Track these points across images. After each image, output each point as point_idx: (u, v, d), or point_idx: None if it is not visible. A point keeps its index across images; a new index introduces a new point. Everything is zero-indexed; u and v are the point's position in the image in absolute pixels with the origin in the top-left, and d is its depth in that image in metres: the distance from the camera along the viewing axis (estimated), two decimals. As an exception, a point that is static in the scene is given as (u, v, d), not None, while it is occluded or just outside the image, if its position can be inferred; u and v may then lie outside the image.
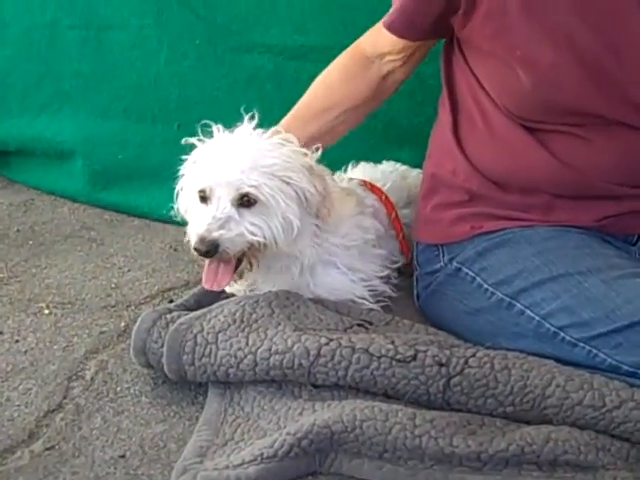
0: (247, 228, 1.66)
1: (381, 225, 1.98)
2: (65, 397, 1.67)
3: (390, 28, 1.79)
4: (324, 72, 1.93)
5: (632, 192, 1.71)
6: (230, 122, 2.41)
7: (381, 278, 1.93)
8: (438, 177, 1.87)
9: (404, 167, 2.23)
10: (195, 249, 1.65)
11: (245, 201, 1.66)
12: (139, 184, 2.61)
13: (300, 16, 2.33)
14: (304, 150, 1.74)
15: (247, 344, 1.61)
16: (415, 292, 1.97)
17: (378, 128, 2.32)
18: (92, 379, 1.73)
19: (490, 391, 1.54)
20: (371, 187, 2.04)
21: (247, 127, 1.74)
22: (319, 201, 1.73)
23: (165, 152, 2.52)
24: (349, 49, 1.93)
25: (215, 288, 1.71)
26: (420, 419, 1.47)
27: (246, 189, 1.65)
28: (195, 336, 1.64)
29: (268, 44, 2.39)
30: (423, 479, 1.43)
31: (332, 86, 1.91)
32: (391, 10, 1.79)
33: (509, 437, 1.46)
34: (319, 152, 1.79)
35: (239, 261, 1.72)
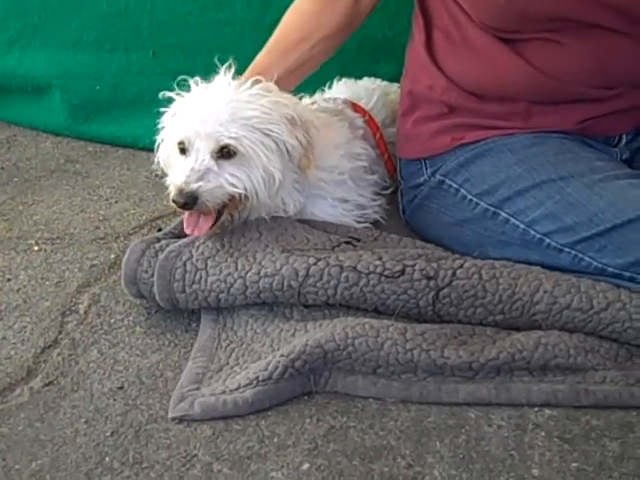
0: (227, 180, 1.64)
1: (372, 148, 1.97)
2: (60, 332, 1.68)
3: None
4: (296, 1, 1.89)
5: (610, 93, 1.71)
6: (203, 46, 2.40)
7: (373, 207, 1.93)
8: (416, 93, 1.86)
9: (384, 83, 2.21)
10: (173, 201, 1.63)
11: (225, 153, 1.65)
12: (120, 114, 2.59)
13: None
14: (285, 100, 1.71)
15: (236, 269, 1.62)
16: (400, 207, 1.98)
17: (353, 44, 2.26)
18: (86, 313, 1.74)
19: (479, 301, 1.56)
20: (354, 107, 2.02)
21: (225, 78, 1.71)
22: (301, 153, 1.70)
23: (142, 80, 2.53)
24: None
25: (196, 234, 1.69)
26: (411, 333, 1.49)
27: (225, 141, 1.63)
28: (184, 263, 1.65)
29: (235, -37, 2.35)
30: (417, 392, 1.46)
31: (305, 16, 1.88)
32: None
33: (499, 345, 1.49)
34: (305, 99, 1.77)
35: (219, 213, 1.70)
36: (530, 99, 1.73)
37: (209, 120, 1.63)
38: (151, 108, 2.34)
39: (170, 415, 1.43)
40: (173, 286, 1.64)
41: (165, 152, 1.74)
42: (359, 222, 1.87)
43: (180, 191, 1.62)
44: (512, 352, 1.46)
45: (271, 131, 1.66)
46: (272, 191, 1.70)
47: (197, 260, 1.65)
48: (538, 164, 1.67)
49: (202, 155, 1.64)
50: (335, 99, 2.03)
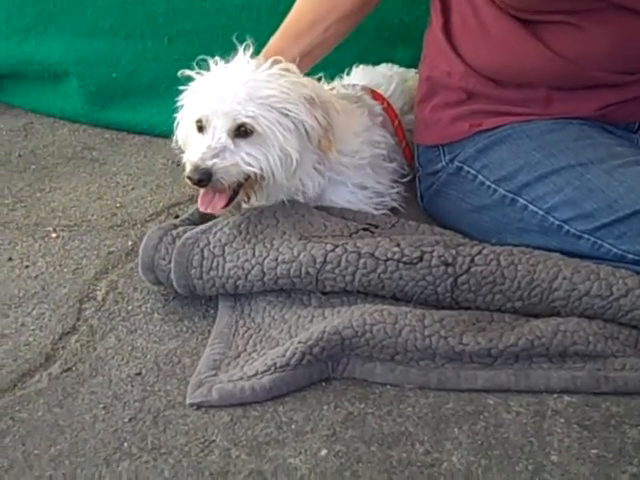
0: (243, 158, 1.64)
1: (390, 136, 1.96)
2: (78, 319, 1.69)
3: None
4: None
5: (632, 79, 1.69)
6: (218, 32, 2.40)
7: (391, 194, 1.92)
8: (434, 79, 1.85)
9: (402, 69, 2.20)
10: (188, 177, 1.63)
11: (242, 132, 1.64)
12: (136, 101, 2.59)
13: None
14: (305, 81, 1.71)
15: (254, 255, 1.62)
16: (418, 193, 1.97)
17: (369, 28, 2.28)
18: (103, 299, 1.74)
19: (497, 287, 1.56)
20: (373, 94, 2.01)
21: (244, 58, 1.70)
22: (320, 134, 1.69)
23: (158, 67, 2.54)
24: None
25: (210, 210, 1.69)
26: (429, 319, 1.49)
27: (242, 119, 1.62)
28: (202, 250, 1.65)
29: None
30: (435, 378, 1.45)
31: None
32: None
33: (518, 331, 1.49)
34: (323, 85, 1.77)
35: (235, 192, 1.70)
36: (549, 85, 1.72)
37: (227, 99, 1.63)
38: (167, 95, 2.34)
39: (188, 401, 1.43)
40: (190, 273, 1.64)
41: (183, 130, 1.75)
42: (377, 209, 1.87)
43: (195, 167, 1.62)
44: (531, 339, 1.46)
45: (289, 111, 1.66)
46: (289, 171, 1.69)
47: (214, 247, 1.64)
48: (557, 150, 1.66)
49: (219, 133, 1.64)
50: (354, 86, 2.02)
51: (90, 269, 1.85)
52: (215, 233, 1.67)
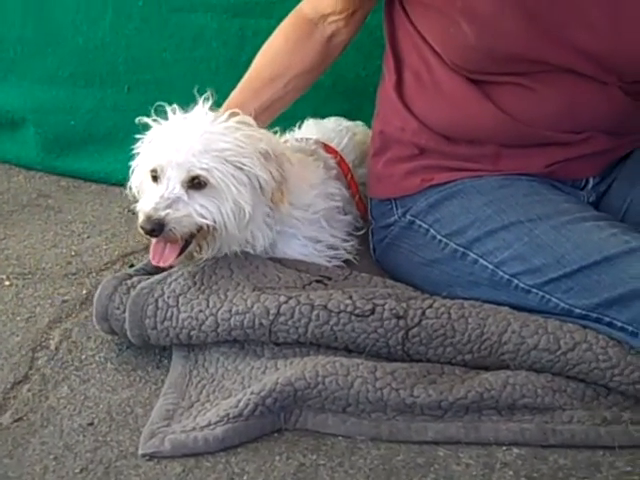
0: (196, 210, 1.65)
1: (345, 189, 1.99)
2: (31, 368, 1.67)
3: None
4: (269, 40, 1.92)
5: (578, 137, 1.74)
6: (178, 82, 2.43)
7: (345, 247, 1.94)
8: (387, 134, 1.88)
9: (350, 123, 2.24)
10: (141, 227, 1.64)
11: (196, 183, 1.65)
12: (93, 149, 2.61)
13: (241, -27, 2.33)
14: (260, 134, 1.72)
15: (208, 306, 1.63)
16: (371, 245, 1.99)
17: (326, 83, 2.32)
18: (57, 348, 1.73)
19: (448, 340, 1.58)
20: (326, 147, 2.04)
21: (202, 109, 1.72)
22: (273, 187, 1.71)
23: (117, 116, 2.55)
24: (291, 15, 1.92)
25: (162, 264, 1.69)
26: (381, 372, 1.51)
27: (197, 171, 1.64)
28: (156, 300, 1.66)
29: (211, 3, 2.39)
30: (386, 430, 1.47)
31: (278, 54, 1.90)
32: None
33: (468, 384, 1.51)
34: (278, 135, 1.80)
35: (187, 243, 1.71)
36: (499, 142, 1.76)
37: (182, 150, 1.64)
38: (125, 143, 2.35)
39: (140, 452, 1.43)
40: (145, 323, 1.65)
41: (138, 179, 1.75)
42: (331, 262, 1.89)
43: (148, 217, 1.63)
44: (481, 391, 1.48)
45: (243, 164, 1.67)
46: (242, 224, 1.70)
47: (169, 297, 1.65)
48: (507, 206, 1.70)
49: (173, 184, 1.65)
50: (307, 139, 2.05)
51: (44, 317, 1.84)
52: (170, 283, 1.68)
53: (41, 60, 2.58)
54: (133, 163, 1.76)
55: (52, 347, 1.74)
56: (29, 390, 1.61)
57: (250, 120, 1.73)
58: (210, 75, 2.42)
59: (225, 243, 1.75)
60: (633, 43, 1.63)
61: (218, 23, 2.40)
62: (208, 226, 1.68)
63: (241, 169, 1.67)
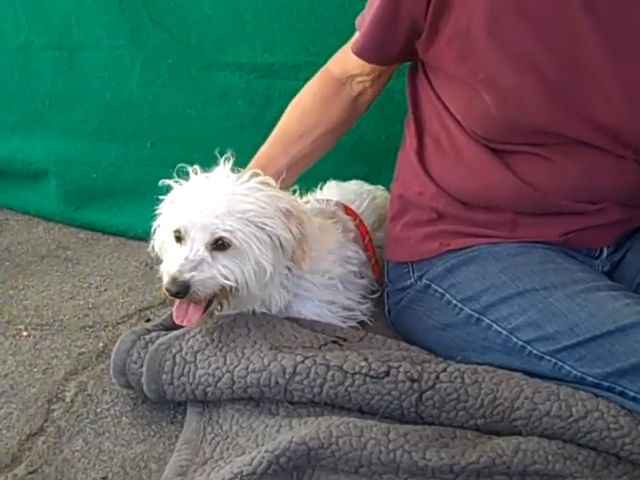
0: (220, 271, 1.67)
1: (362, 252, 2.01)
2: (46, 420, 1.69)
3: (359, 55, 1.83)
4: (297, 98, 1.96)
5: (593, 208, 1.77)
6: (202, 139, 2.47)
7: (361, 310, 1.96)
8: (406, 198, 1.91)
9: (371, 186, 2.27)
10: (166, 289, 1.66)
11: (219, 245, 1.67)
12: (113, 202, 2.64)
13: (270, 35, 2.38)
14: (281, 194, 1.75)
15: (225, 363, 1.65)
16: (386, 308, 2.01)
17: (347, 145, 2.36)
18: (72, 401, 1.75)
19: (461, 404, 1.59)
20: (346, 209, 2.07)
21: (224, 169, 1.75)
22: (294, 245, 1.73)
23: (139, 170, 2.59)
24: (319, 74, 1.96)
25: (185, 324, 1.71)
26: (394, 434, 1.51)
27: (220, 233, 1.66)
28: (174, 356, 1.68)
29: (239, 62, 2.43)
30: (398, 492, 1.47)
31: (306, 112, 1.94)
32: (357, 35, 1.82)
33: (480, 449, 1.51)
34: (298, 194, 1.84)
35: (209, 302, 1.73)
36: (515, 210, 1.79)
37: (206, 211, 1.66)
38: (145, 198, 2.41)
39: (154, 507, 1.44)
40: (162, 378, 1.66)
41: (160, 238, 1.77)
42: (346, 323, 1.90)
43: (173, 280, 1.64)
44: (492, 456, 1.49)
45: (265, 225, 1.69)
46: (262, 283, 1.73)
47: (186, 353, 1.68)
48: (522, 273, 1.72)
49: (197, 245, 1.67)
50: (328, 201, 2.07)
51: (60, 369, 1.86)
52: (188, 340, 1.70)
53: (68, 114, 2.63)
54: (155, 223, 1.78)
55: (68, 399, 1.76)
56: (44, 442, 1.63)
57: (271, 180, 1.76)
58: (235, 133, 2.46)
59: (245, 301, 1.77)
60: None
61: (246, 82, 2.45)
62: (230, 286, 1.70)
63: (263, 229, 1.69)
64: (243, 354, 1.66)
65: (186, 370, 1.66)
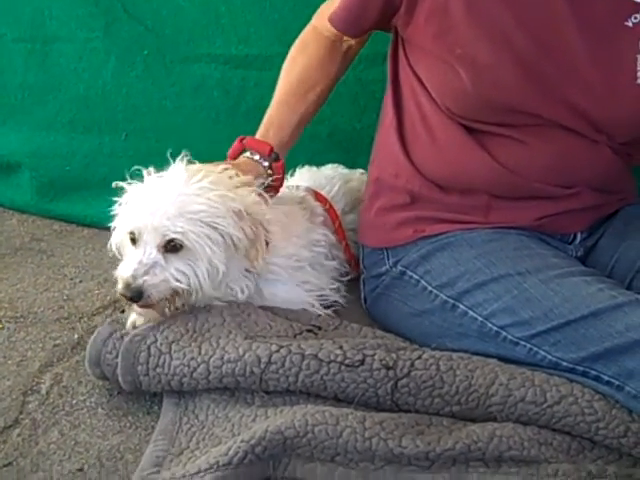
0: (172, 274, 1.67)
1: (332, 234, 2.01)
2: (21, 412, 1.68)
3: (336, 26, 1.87)
4: (291, 59, 1.97)
5: (567, 192, 1.78)
6: (177, 130, 2.46)
7: (332, 290, 1.96)
8: (381, 180, 1.92)
9: (347, 170, 2.27)
10: (121, 294, 1.66)
11: (172, 247, 1.67)
12: (88, 194, 2.62)
13: (244, 27, 2.39)
14: (233, 194, 1.72)
15: (200, 353, 1.64)
16: (362, 295, 2.01)
17: (322, 134, 2.37)
18: (47, 393, 1.74)
19: (436, 391, 1.59)
20: (317, 195, 2.07)
21: (177, 169, 1.74)
22: (247, 245, 1.72)
23: (113, 162, 2.58)
24: (309, 33, 1.99)
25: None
26: (370, 422, 1.51)
27: (171, 235, 1.65)
28: (149, 347, 1.67)
29: (214, 54, 2.44)
30: (374, 480, 1.48)
31: (306, 70, 1.95)
32: (335, 8, 1.85)
33: (456, 435, 1.52)
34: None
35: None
36: (490, 193, 1.80)
37: (157, 213, 1.65)
38: (118, 190, 2.38)
39: (130, 498, 1.43)
40: (137, 369, 1.66)
41: (117, 240, 1.77)
42: (318, 303, 1.91)
43: (127, 285, 1.65)
44: (468, 443, 1.49)
45: (217, 224, 1.68)
46: (215, 283, 1.72)
47: (161, 344, 1.67)
48: (497, 259, 1.72)
49: (150, 248, 1.66)
50: (298, 187, 2.08)
51: (35, 361, 1.84)
52: (162, 331, 1.69)
53: (41, 106, 2.62)
54: (112, 224, 1.77)
55: (43, 391, 1.74)
56: (19, 435, 1.61)
57: (224, 178, 1.75)
58: (210, 124, 2.46)
59: (201, 300, 1.76)
60: (625, 108, 1.69)
61: (220, 74, 2.45)
62: (183, 289, 1.70)
63: (215, 229, 1.68)
64: (218, 344, 1.66)
65: (161, 361, 1.65)
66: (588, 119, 1.70)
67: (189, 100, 2.50)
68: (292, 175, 2.20)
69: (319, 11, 1.99)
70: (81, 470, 1.52)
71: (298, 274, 1.89)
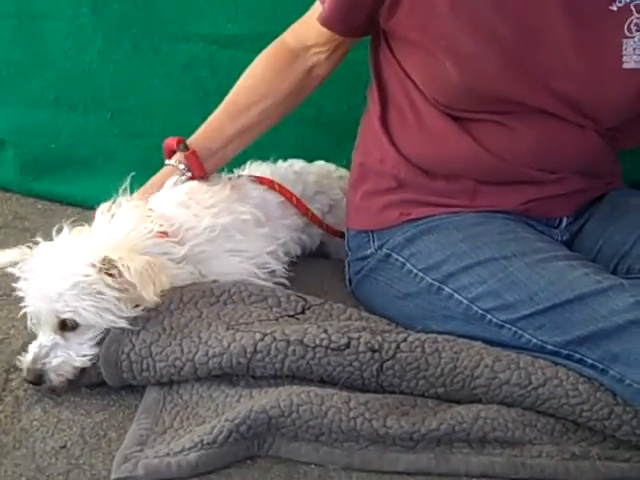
0: (75, 351, 1.64)
1: (262, 213, 1.96)
2: (4, 389, 1.67)
3: (325, 24, 1.83)
4: (250, 68, 1.96)
5: (552, 177, 1.79)
6: (163, 109, 2.45)
7: (269, 254, 1.93)
8: (366, 165, 1.91)
9: (302, 164, 2.23)
10: (26, 380, 1.65)
11: (70, 326, 1.64)
12: (72, 173, 2.61)
13: (233, 6, 2.37)
14: (94, 248, 1.65)
15: (182, 352, 1.61)
16: (347, 277, 2.02)
17: (309, 116, 2.36)
18: (30, 371, 1.73)
19: (422, 373, 1.60)
20: (260, 179, 2.04)
21: (62, 240, 1.72)
22: (124, 296, 1.64)
23: (98, 141, 2.57)
24: (273, 45, 1.97)
25: None
26: (355, 402, 1.52)
27: (63, 316, 1.62)
28: (128, 355, 1.62)
29: (203, 33, 2.42)
30: (358, 460, 1.48)
31: (257, 82, 1.95)
32: (324, 5, 1.82)
33: (440, 416, 1.53)
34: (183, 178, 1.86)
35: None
36: (476, 178, 1.80)
37: (45, 297, 1.62)
38: (104, 168, 2.38)
39: (113, 476, 1.42)
40: (123, 377, 1.64)
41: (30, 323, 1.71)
42: (261, 271, 1.89)
43: (28, 370, 1.63)
44: (452, 424, 1.50)
45: (101, 293, 1.62)
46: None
47: (140, 349, 1.63)
48: (482, 243, 1.73)
49: (48, 331, 1.64)
50: (240, 175, 2.07)
51: (18, 339, 1.82)
52: (138, 333, 1.65)
53: (27, 83, 2.59)
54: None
55: (26, 369, 1.74)
56: (2, 412, 1.60)
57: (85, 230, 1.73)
58: (198, 104, 2.42)
59: None
60: (610, 93, 1.69)
61: (209, 53, 2.43)
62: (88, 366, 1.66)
63: (101, 294, 1.62)
64: (200, 339, 1.63)
65: (144, 366, 1.62)
66: (574, 105, 1.70)
67: (177, 79, 2.48)
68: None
69: (292, 26, 1.96)
70: (64, 447, 1.51)
71: (226, 244, 1.85)
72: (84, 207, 2.53)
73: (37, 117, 2.60)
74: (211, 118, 1.94)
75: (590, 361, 1.54)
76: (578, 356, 1.56)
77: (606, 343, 1.52)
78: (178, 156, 1.91)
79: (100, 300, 1.61)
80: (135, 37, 2.46)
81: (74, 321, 1.63)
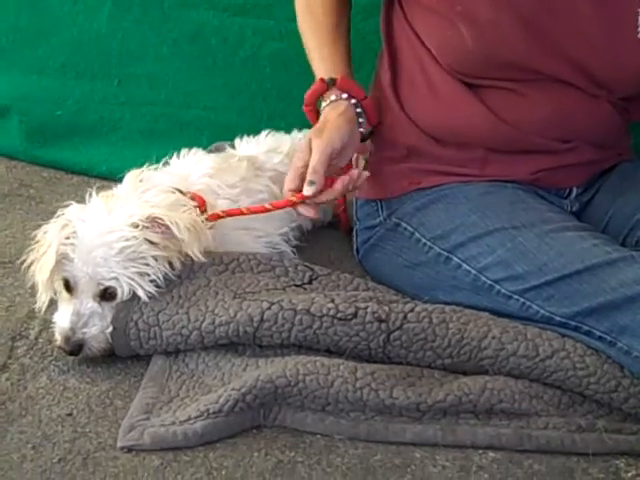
0: (109, 321, 1.64)
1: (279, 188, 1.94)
2: (10, 357, 1.67)
3: None
4: (304, 4, 1.92)
5: (564, 147, 1.77)
6: (171, 77, 2.43)
7: (280, 235, 1.95)
8: (376, 134, 1.88)
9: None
10: (59, 347, 1.63)
11: (109, 294, 1.63)
12: (78, 141, 2.59)
13: (244, -27, 2.35)
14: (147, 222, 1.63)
15: (189, 320, 1.61)
16: (355, 246, 2.01)
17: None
18: (36, 338, 1.72)
19: (429, 344, 1.59)
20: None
21: (96, 204, 1.69)
22: (178, 254, 1.67)
23: (104, 108, 2.55)
24: None
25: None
26: (361, 372, 1.51)
27: (106, 284, 1.62)
28: (136, 323, 1.62)
29: (212, 1, 2.40)
30: (364, 430, 1.48)
31: (325, 8, 1.90)
32: None
33: (447, 388, 1.52)
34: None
35: None
36: (487, 146, 1.78)
37: (89, 261, 1.60)
38: (110, 136, 2.36)
39: (119, 444, 1.43)
40: (130, 345, 1.63)
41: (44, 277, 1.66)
42: (268, 251, 1.90)
43: (67, 339, 1.61)
44: (459, 395, 1.49)
45: (142, 253, 1.62)
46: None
47: (148, 317, 1.63)
48: (492, 212, 1.71)
49: (86, 298, 1.63)
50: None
51: (23, 307, 1.83)
52: (146, 302, 1.65)
53: (33, 50, 2.57)
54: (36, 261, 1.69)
55: (32, 337, 1.73)
56: (8, 379, 1.60)
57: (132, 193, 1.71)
58: (206, 72, 2.41)
59: None
60: (626, 63, 1.67)
61: (219, 21, 2.40)
62: None
63: (146, 265, 1.63)
64: (207, 307, 1.62)
65: (152, 334, 1.62)
66: (589, 74, 1.69)
67: (186, 47, 2.45)
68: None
69: None
70: (70, 415, 1.51)
71: (239, 222, 1.85)
72: (90, 175, 2.53)
73: (43, 84, 2.58)
74: (320, 54, 1.86)
75: (598, 333, 1.53)
76: (586, 328, 1.55)
77: (615, 315, 1.51)
78: (332, 91, 1.80)
79: (141, 265, 1.62)
80: (144, 3, 2.45)
81: (115, 290, 1.63)
